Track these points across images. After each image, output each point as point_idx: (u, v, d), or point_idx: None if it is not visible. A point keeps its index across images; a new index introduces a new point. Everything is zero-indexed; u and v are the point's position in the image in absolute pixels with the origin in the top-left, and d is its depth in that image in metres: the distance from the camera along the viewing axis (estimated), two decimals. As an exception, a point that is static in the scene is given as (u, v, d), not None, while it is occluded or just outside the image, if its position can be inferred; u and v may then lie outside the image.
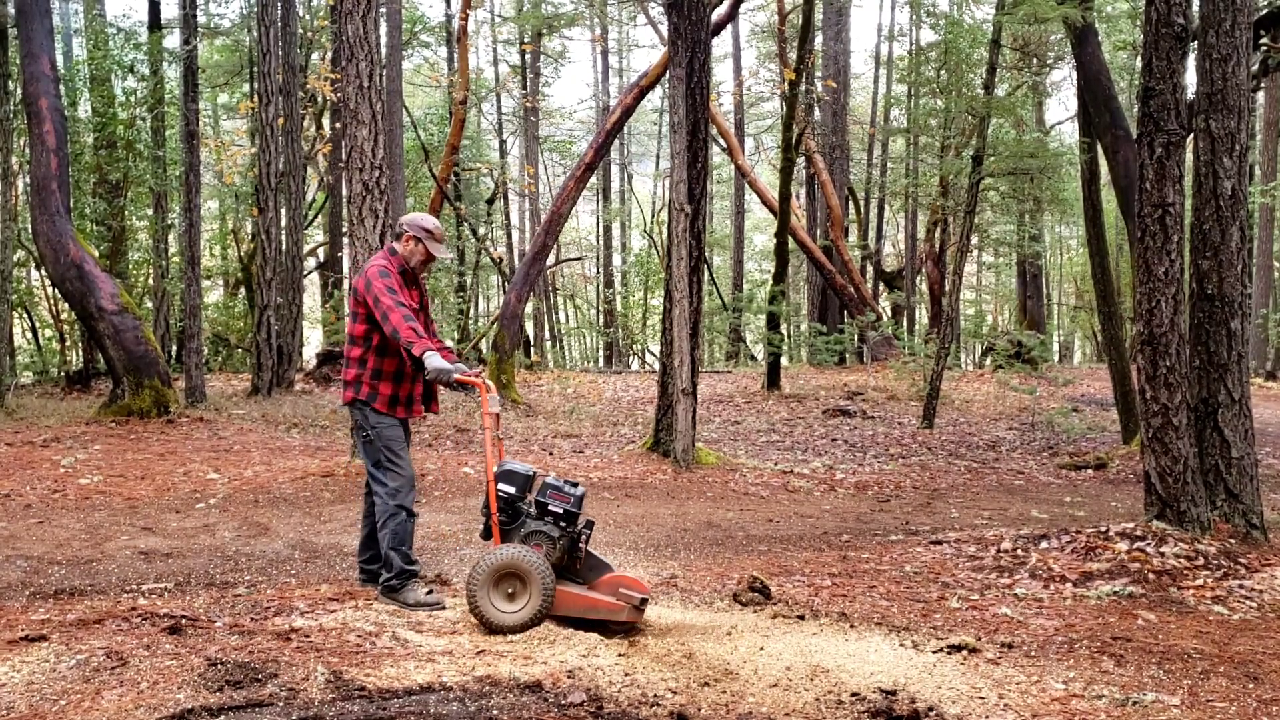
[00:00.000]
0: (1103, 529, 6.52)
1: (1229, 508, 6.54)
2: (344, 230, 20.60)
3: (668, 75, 12.25)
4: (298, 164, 18.80)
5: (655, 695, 3.72)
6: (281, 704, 3.54)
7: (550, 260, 22.38)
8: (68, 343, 19.76)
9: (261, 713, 3.47)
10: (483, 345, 20.42)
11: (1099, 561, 6.00)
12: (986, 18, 19.79)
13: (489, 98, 28.90)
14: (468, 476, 9.54)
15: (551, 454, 11.41)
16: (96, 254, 14.38)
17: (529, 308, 25.19)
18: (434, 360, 4.73)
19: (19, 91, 14.10)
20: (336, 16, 12.01)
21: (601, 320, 33.01)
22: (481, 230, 25.18)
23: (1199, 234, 6.69)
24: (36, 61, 12.96)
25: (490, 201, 26.58)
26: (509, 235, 31.57)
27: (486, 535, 4.75)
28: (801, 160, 24.41)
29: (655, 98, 30.25)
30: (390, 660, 4.05)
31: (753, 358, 28.31)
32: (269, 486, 8.89)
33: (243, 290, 23.19)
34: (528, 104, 27.22)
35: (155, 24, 18.21)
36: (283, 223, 17.51)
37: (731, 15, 18.12)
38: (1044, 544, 6.47)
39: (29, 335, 20.48)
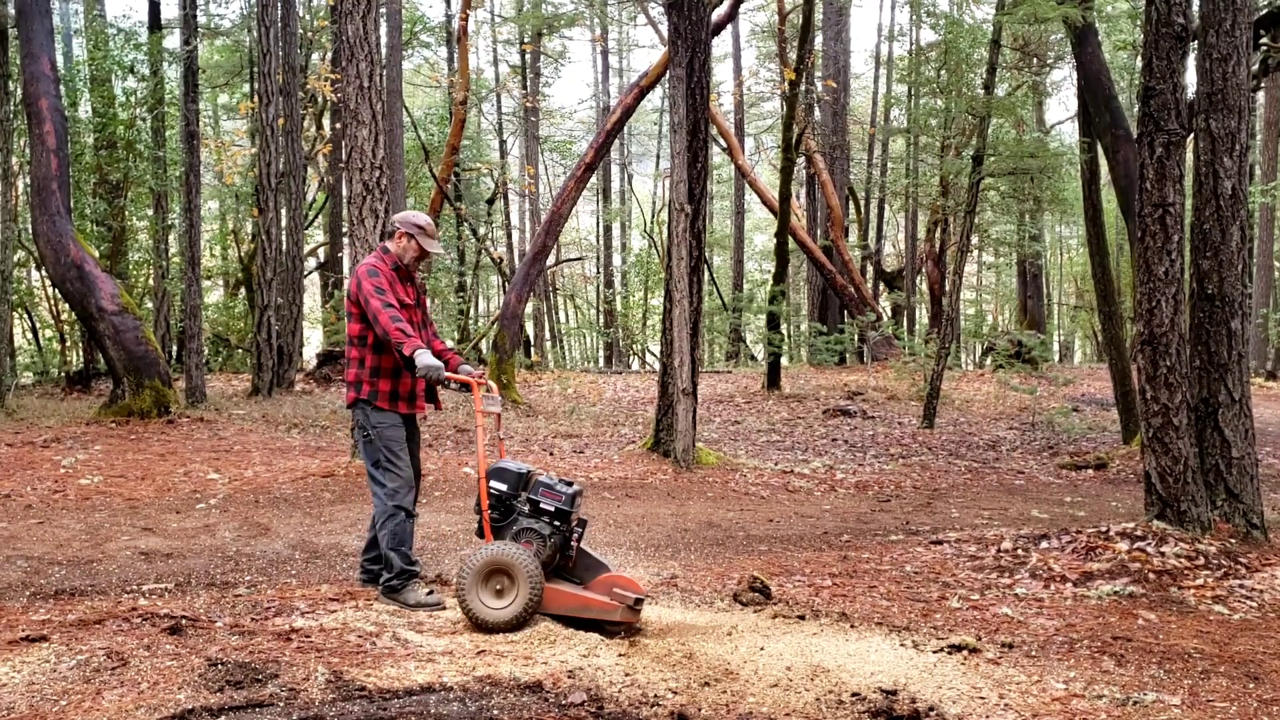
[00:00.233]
0: (1103, 529, 6.52)
1: (1229, 507, 6.54)
2: (344, 230, 20.61)
3: (668, 75, 12.26)
4: (298, 164, 18.80)
5: (656, 695, 3.72)
6: (282, 704, 3.54)
7: (550, 260, 22.39)
8: (68, 343, 19.77)
9: (262, 713, 3.47)
10: (483, 345, 20.42)
11: (1099, 561, 6.00)
12: (986, 18, 19.79)
13: (489, 98, 28.91)
14: (468, 476, 9.54)
15: (552, 454, 11.41)
16: (97, 254, 14.38)
17: (529, 308, 25.20)
18: (423, 358, 4.75)
19: (19, 92, 14.10)
20: (336, 17, 12.02)
21: (601, 320, 33.01)
22: (481, 230, 25.18)
23: (1199, 234, 6.69)
24: (36, 62, 12.97)
25: (490, 202, 26.58)
26: (509, 235, 31.58)
27: (481, 533, 4.76)
28: (801, 160, 24.41)
29: (655, 98, 30.27)
30: (391, 660, 4.05)
31: (753, 358, 28.30)
32: (269, 487, 8.89)
33: (243, 290, 23.20)
34: (528, 104, 27.22)
35: (155, 24, 18.21)
36: (283, 223, 17.52)
37: (731, 15, 18.12)
38: (1044, 544, 6.47)
39: (29, 336, 20.49)
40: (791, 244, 20.96)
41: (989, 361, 24.53)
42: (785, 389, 18.64)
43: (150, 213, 19.47)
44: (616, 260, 33.56)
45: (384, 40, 16.65)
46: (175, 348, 19.78)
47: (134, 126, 18.63)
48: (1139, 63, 9.65)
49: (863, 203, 28.44)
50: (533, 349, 27.48)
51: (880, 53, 29.65)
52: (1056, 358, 33.74)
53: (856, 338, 23.88)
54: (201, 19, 21.21)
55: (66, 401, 15.03)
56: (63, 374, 18.17)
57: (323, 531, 7.21)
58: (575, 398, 17.64)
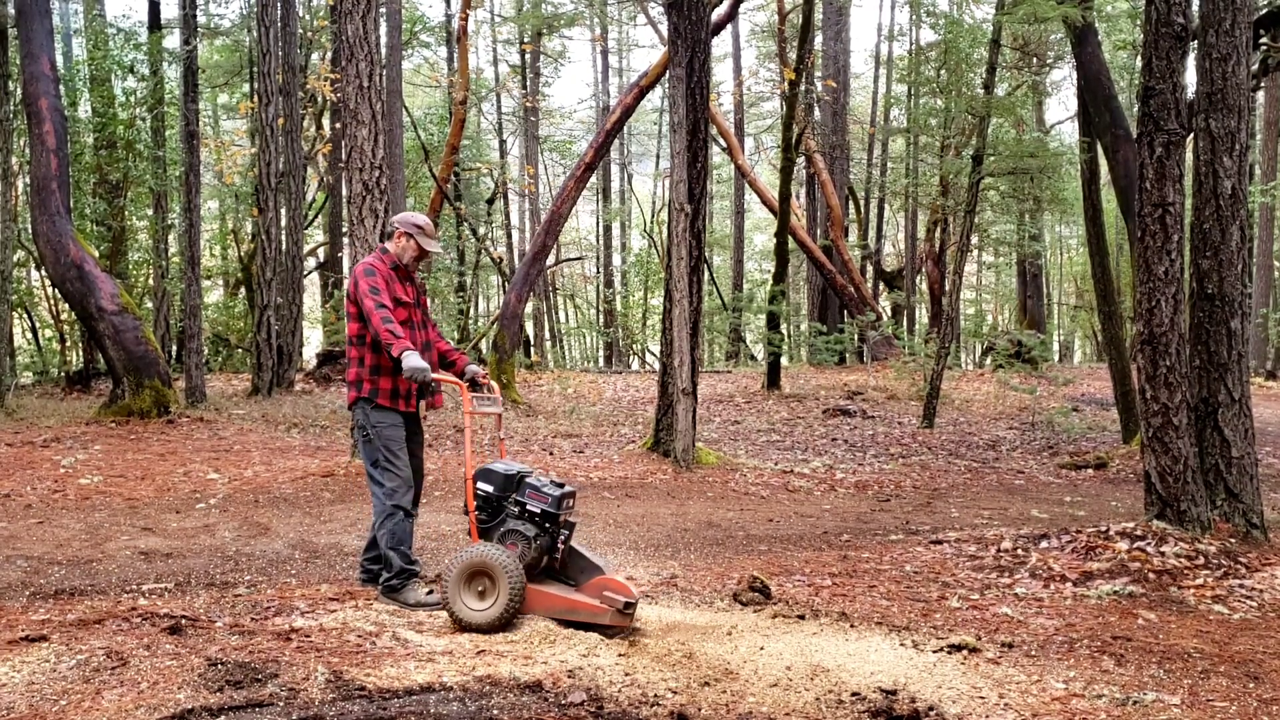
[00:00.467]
0: (1103, 528, 6.52)
1: (1229, 507, 6.54)
2: (344, 230, 20.61)
3: (668, 75, 12.25)
4: (298, 164, 18.80)
5: (655, 695, 3.72)
6: (282, 704, 3.54)
7: (550, 260, 22.39)
8: (68, 343, 19.77)
9: (262, 713, 3.47)
10: (483, 345, 20.42)
11: (1099, 561, 6.00)
12: (986, 18, 19.79)
13: (489, 98, 28.91)
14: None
15: (552, 454, 11.41)
16: (96, 254, 14.38)
17: (529, 308, 25.20)
18: (410, 359, 4.77)
19: (19, 92, 14.10)
20: (336, 17, 12.01)
21: (601, 320, 33.01)
22: (481, 230, 25.18)
23: (1199, 234, 6.69)
24: (36, 62, 12.96)
25: (490, 201, 26.58)
26: (509, 235, 31.58)
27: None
28: (801, 160, 24.41)
29: (655, 98, 30.26)
30: (390, 660, 4.05)
31: (753, 358, 28.31)
32: (269, 487, 8.89)
33: (243, 290, 23.20)
34: (528, 104, 27.22)
35: (155, 24, 18.21)
36: (283, 223, 17.52)
37: (731, 15, 18.12)
38: (1044, 543, 6.47)
39: (29, 335, 20.48)
40: (791, 244, 20.96)
41: (989, 361, 24.53)
42: (785, 389, 18.64)
43: (150, 213, 19.47)
44: (616, 260, 33.57)
45: (384, 40, 16.64)
46: (175, 347, 19.77)
47: (134, 126, 18.63)
48: (1139, 63, 9.65)
49: (863, 203, 28.44)
50: (533, 349, 27.48)
51: (880, 53, 29.66)
52: (1056, 357, 33.74)
53: (856, 337, 23.88)
54: (201, 19, 21.22)
55: (66, 401, 15.03)
56: (62, 374, 18.17)
57: (322, 531, 7.21)
58: (575, 397, 17.64)
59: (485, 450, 11.30)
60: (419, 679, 3.81)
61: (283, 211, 17.46)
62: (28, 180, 15.39)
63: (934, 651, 4.32)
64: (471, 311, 25.73)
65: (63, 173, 13.03)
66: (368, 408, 5.02)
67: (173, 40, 20.29)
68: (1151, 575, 5.75)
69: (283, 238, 17.53)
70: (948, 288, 17.13)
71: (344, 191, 15.88)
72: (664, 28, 17.16)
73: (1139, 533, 6.32)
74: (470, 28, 22.25)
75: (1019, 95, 22.47)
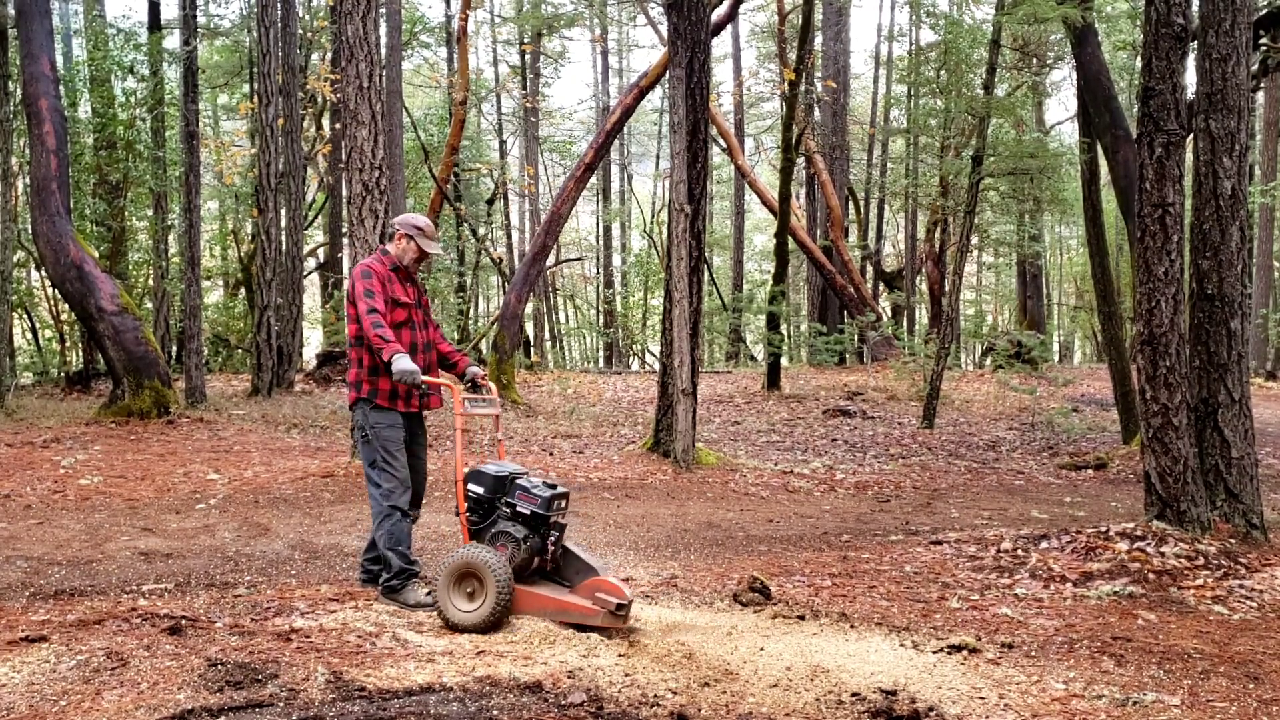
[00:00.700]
0: (1103, 529, 6.52)
1: (1229, 508, 6.54)
2: (344, 231, 20.61)
3: (668, 75, 12.25)
4: (297, 164, 18.80)
5: (655, 695, 3.72)
6: (281, 704, 3.54)
7: (550, 261, 22.39)
8: (68, 343, 19.77)
9: (262, 713, 3.47)
10: (482, 346, 20.42)
11: (1099, 561, 6.00)
12: (986, 18, 19.79)
13: (489, 98, 28.91)
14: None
15: (552, 454, 11.41)
16: (96, 255, 14.38)
17: (529, 308, 25.20)
18: (399, 363, 4.79)
19: (19, 92, 14.10)
20: (336, 17, 12.02)
21: (601, 321, 33.01)
22: (481, 231, 25.18)
23: (1199, 234, 6.69)
24: (36, 62, 12.96)
25: (490, 202, 26.58)
26: (509, 235, 31.58)
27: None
28: (801, 160, 24.41)
29: (655, 98, 30.26)
30: (390, 661, 4.05)
31: (753, 358, 28.31)
32: (269, 487, 8.89)
33: (243, 291, 23.20)
34: (528, 104, 27.22)
35: (155, 25, 18.21)
36: (283, 223, 17.52)
37: (731, 15, 18.12)
38: (1044, 544, 6.47)
39: (29, 336, 20.49)
40: (791, 244, 20.96)
41: (989, 362, 24.53)
42: (785, 389, 18.64)
43: (150, 213, 19.47)
44: (616, 260, 33.57)
45: (384, 40, 16.65)
46: (175, 348, 19.78)
47: (134, 127, 18.63)
48: (1139, 63, 9.65)
49: (862, 203, 28.44)
50: (533, 349, 27.48)
51: (880, 53, 29.66)
52: (1056, 358, 33.74)
53: (856, 338, 23.88)
54: (201, 19, 21.22)
55: (66, 402, 15.03)
56: (62, 374, 18.17)
57: (322, 532, 7.21)
58: (575, 398, 17.64)
59: (485, 451, 11.30)
60: (419, 679, 3.81)
61: (283, 212, 17.46)
62: (28, 181, 15.39)
63: (934, 652, 4.32)
64: (471, 312, 25.73)
65: (63, 173, 13.03)
66: (367, 408, 5.03)
67: (173, 41, 20.30)
68: (1151, 576, 5.75)
69: (283, 238, 17.53)
70: (948, 288, 17.13)
71: (344, 192, 15.88)
72: (664, 28, 17.16)
73: (1139, 533, 6.32)
74: (470, 28, 22.26)
75: (1019, 96, 22.48)
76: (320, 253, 27.20)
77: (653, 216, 33.13)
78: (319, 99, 22.09)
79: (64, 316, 18.88)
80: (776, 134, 29.43)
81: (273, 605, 4.93)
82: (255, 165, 17.37)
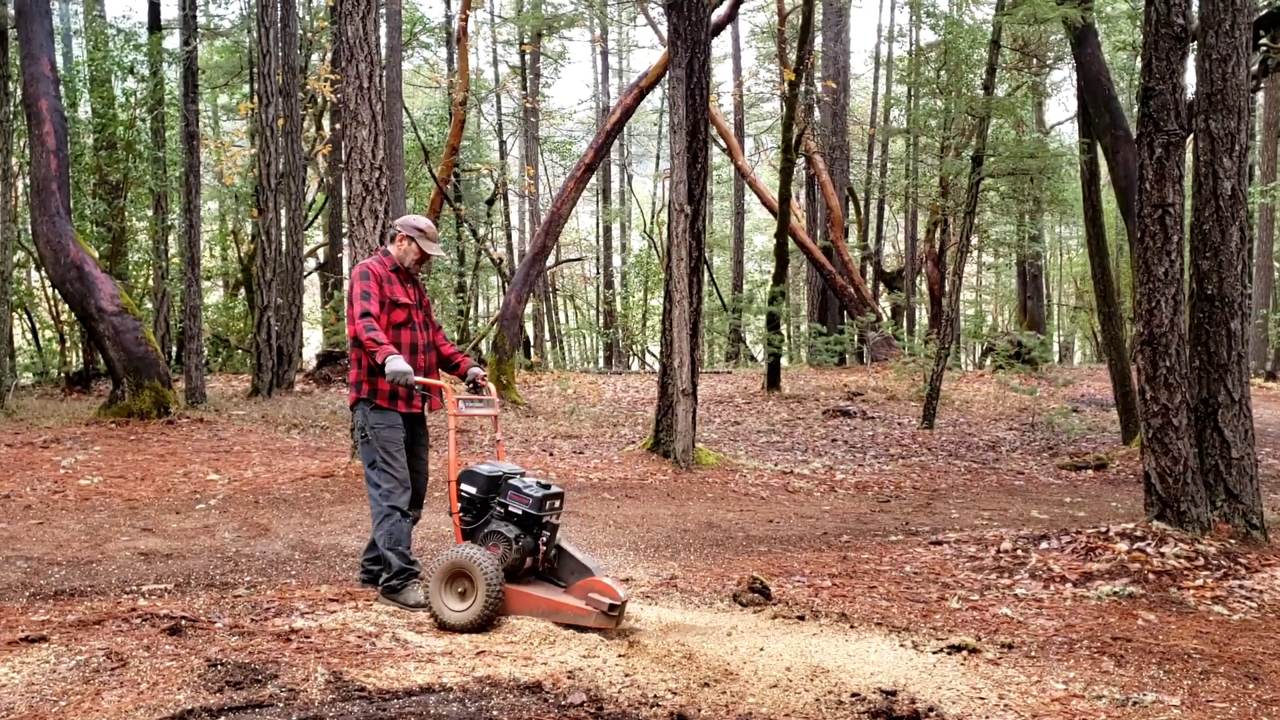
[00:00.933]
0: (1103, 529, 6.52)
1: (1229, 508, 6.54)
2: (344, 231, 20.61)
3: (668, 76, 12.26)
4: (297, 165, 18.80)
5: (655, 696, 3.72)
6: (281, 705, 3.54)
7: (550, 261, 22.39)
8: (68, 344, 19.77)
9: (261, 713, 3.47)
10: (482, 346, 20.42)
11: (1099, 562, 6.00)
12: (986, 18, 19.79)
13: (489, 98, 28.91)
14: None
15: (552, 455, 11.41)
16: (96, 255, 14.39)
17: (529, 308, 25.20)
18: (393, 364, 4.79)
19: (19, 92, 14.11)
20: (336, 18, 12.02)
21: (601, 321, 33.01)
22: (481, 231, 25.18)
23: (1199, 234, 6.69)
24: (36, 62, 12.97)
25: (490, 202, 26.58)
26: (509, 236, 31.58)
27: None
28: (801, 161, 24.42)
29: (655, 98, 30.27)
30: (390, 661, 4.05)
31: (753, 358, 28.31)
32: (269, 487, 8.89)
33: (243, 291, 23.20)
34: (528, 105, 27.22)
35: (155, 25, 18.22)
36: (282, 224, 17.52)
37: (731, 15, 18.12)
38: (1044, 544, 6.47)
39: (29, 336, 20.49)
40: (791, 244, 20.96)
41: (989, 362, 24.53)
42: (785, 389, 18.64)
43: (150, 213, 19.47)
44: (616, 261, 33.57)
45: (384, 41, 16.65)
46: (175, 348, 19.78)
47: (134, 127, 18.64)
48: (1139, 63, 9.65)
49: (862, 203, 28.44)
50: (532, 350, 27.48)
51: (880, 53, 29.67)
52: (1056, 358, 33.74)
53: (856, 338, 23.88)
54: (201, 20, 21.22)
55: (66, 402, 15.03)
56: (62, 374, 18.17)
57: (322, 532, 7.21)
58: (575, 398, 17.64)
59: (485, 452, 11.30)
60: (419, 680, 3.81)
61: (283, 212, 17.46)
62: (28, 181, 15.39)
63: (934, 652, 4.32)
64: (471, 312, 25.73)
65: (63, 173, 13.03)
66: (367, 409, 5.04)
67: (173, 41, 20.31)
68: (1151, 576, 5.75)
69: (283, 238, 17.53)
70: (947, 288, 17.13)
71: (344, 192, 15.88)
72: (664, 28, 17.17)
73: (1139, 533, 6.32)
74: (470, 28, 22.26)
75: (1019, 96, 22.48)
76: (320, 253, 27.19)
77: (653, 217, 33.13)
78: (319, 99, 22.09)
79: (64, 317, 18.88)
80: (776, 134, 29.44)
81: (273, 605, 4.93)
82: (255, 165, 17.37)
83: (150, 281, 20.22)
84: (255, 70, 19.10)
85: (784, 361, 22.12)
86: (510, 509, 4.68)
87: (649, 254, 31.97)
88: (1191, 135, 6.77)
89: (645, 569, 6.08)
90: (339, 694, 3.65)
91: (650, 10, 23.16)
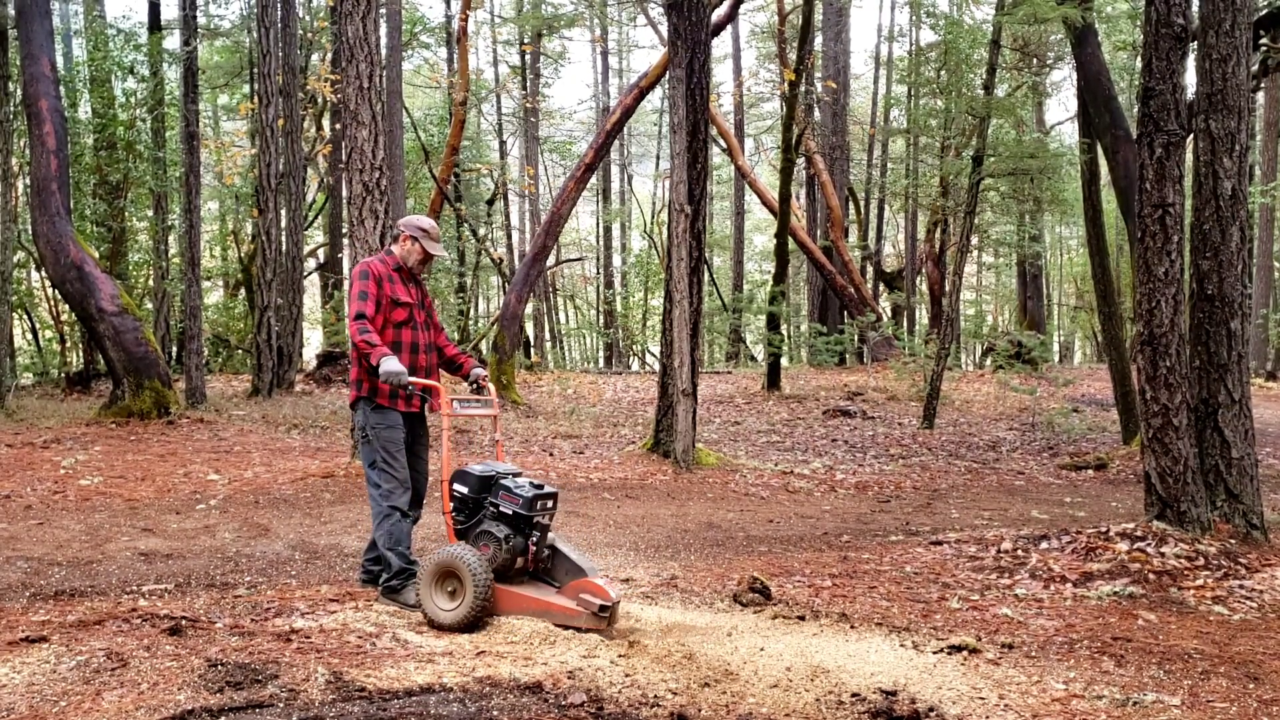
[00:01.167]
0: (1103, 529, 6.52)
1: (1229, 508, 6.54)
2: (344, 231, 20.61)
3: (668, 76, 12.26)
4: (298, 165, 18.81)
5: (655, 696, 3.72)
6: (282, 705, 3.54)
7: (550, 261, 22.39)
8: (68, 344, 19.78)
9: (262, 714, 3.47)
10: (483, 346, 20.42)
11: (1099, 562, 6.00)
12: (986, 18, 19.80)
13: (489, 98, 28.90)
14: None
15: (552, 455, 11.41)
16: (96, 255, 14.39)
17: (529, 309, 25.19)
18: (387, 365, 4.80)
19: (19, 93, 14.11)
20: (336, 18, 12.02)
21: (602, 321, 33.01)
22: (481, 231, 25.18)
23: (1199, 234, 6.69)
24: (36, 63, 12.97)
25: (490, 202, 26.58)
26: (509, 236, 31.58)
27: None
28: (801, 161, 24.41)
29: (655, 98, 30.27)
30: (391, 661, 4.05)
31: (753, 358, 28.31)
32: (269, 488, 8.89)
33: (243, 291, 23.20)
34: (528, 105, 27.22)
35: (155, 25, 18.22)
36: (283, 224, 17.53)
37: (731, 16, 18.12)
38: (1044, 544, 6.47)
39: (29, 336, 20.49)
40: (791, 244, 20.97)
41: (989, 362, 24.53)
42: (785, 389, 18.64)
43: (150, 213, 19.48)
44: (616, 261, 33.57)
45: (384, 41, 16.64)
46: (175, 348, 19.78)
47: (134, 127, 18.64)
48: (1139, 63, 9.65)
49: (862, 203, 28.44)
50: (533, 350, 27.48)
51: (880, 53, 29.67)
52: (1056, 358, 33.75)
53: (856, 338, 23.89)
54: (201, 20, 21.21)
55: (66, 402, 15.03)
56: (62, 375, 18.18)
57: (322, 532, 7.21)
58: (575, 398, 17.64)
59: (485, 452, 11.30)
60: (419, 680, 3.81)
61: (283, 212, 17.46)
62: (28, 181, 15.39)
63: (934, 652, 4.32)
64: (471, 312, 25.72)
65: (63, 174, 13.03)
66: (367, 408, 5.04)
67: (173, 41, 20.31)
68: (1151, 576, 5.75)
69: (283, 239, 17.53)
70: (948, 288, 17.13)
71: (344, 192, 15.88)
72: (664, 28, 17.17)
73: (1139, 533, 6.32)
74: (470, 28, 22.26)
75: (1019, 96, 22.48)
76: (320, 253, 27.20)
77: (653, 217, 33.13)
78: (319, 99, 22.09)
79: (64, 317, 18.88)
80: (776, 134, 29.44)
81: (273, 606, 4.93)
82: (255, 166, 17.37)
83: (150, 281, 20.22)
84: (255, 70, 19.11)
85: (784, 361, 22.12)
86: (501, 509, 4.70)
87: (649, 254, 31.98)
88: (1191, 135, 6.77)
89: (645, 569, 6.08)
90: (339, 694, 3.65)
91: (650, 10, 23.16)
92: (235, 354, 22.78)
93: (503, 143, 31.13)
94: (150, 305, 19.48)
